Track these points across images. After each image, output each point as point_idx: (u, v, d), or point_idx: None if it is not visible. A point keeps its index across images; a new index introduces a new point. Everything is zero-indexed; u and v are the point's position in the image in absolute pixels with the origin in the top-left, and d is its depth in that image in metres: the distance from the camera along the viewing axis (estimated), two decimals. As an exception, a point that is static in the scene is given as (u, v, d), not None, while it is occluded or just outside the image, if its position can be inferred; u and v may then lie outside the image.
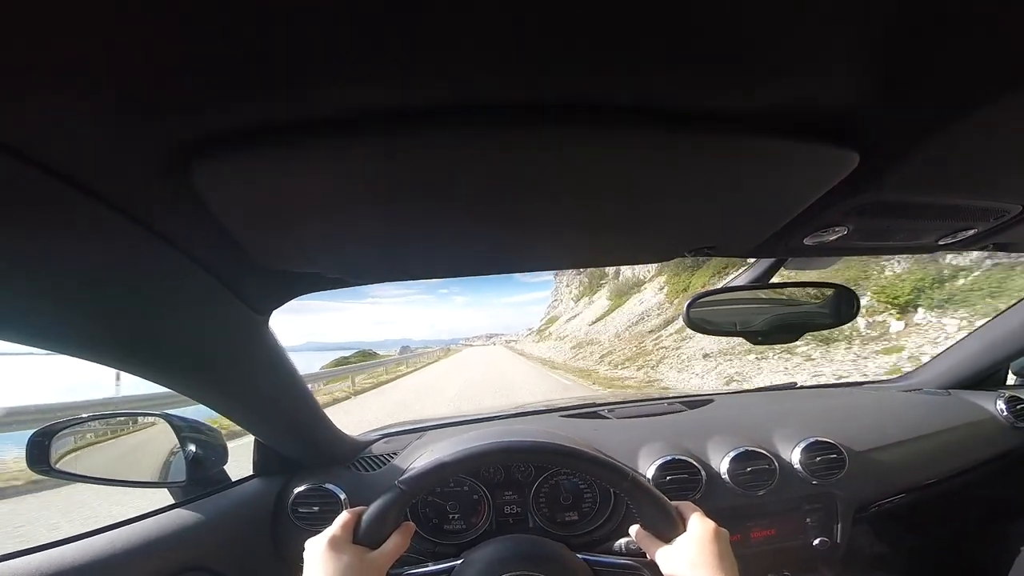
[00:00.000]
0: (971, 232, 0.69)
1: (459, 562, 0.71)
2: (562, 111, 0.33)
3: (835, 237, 0.64)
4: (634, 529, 0.68)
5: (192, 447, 0.91)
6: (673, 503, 0.67)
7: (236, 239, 0.44)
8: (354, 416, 8.49)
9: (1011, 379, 1.49)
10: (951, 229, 0.68)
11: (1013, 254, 0.88)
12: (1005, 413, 1.29)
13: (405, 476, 0.67)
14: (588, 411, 1.30)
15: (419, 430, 1.21)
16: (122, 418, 1.05)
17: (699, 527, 0.63)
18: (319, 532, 0.63)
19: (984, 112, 0.37)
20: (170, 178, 0.35)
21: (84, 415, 0.91)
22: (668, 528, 0.64)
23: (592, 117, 0.34)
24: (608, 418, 1.26)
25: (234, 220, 0.41)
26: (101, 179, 0.34)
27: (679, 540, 0.63)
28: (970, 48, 0.31)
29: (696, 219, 0.55)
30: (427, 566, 0.73)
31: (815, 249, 0.69)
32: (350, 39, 0.25)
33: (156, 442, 0.96)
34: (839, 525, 1.06)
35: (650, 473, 1.02)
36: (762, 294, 0.84)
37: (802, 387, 1.55)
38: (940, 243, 0.74)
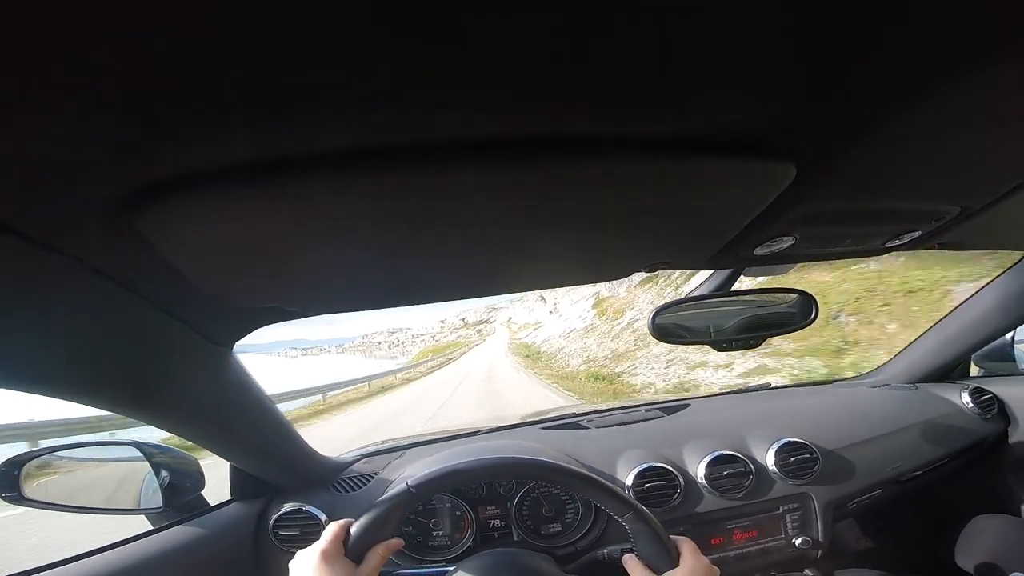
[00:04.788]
0: (916, 234, 0.72)
1: (452, 568, 0.72)
2: (522, 145, 0.35)
3: (785, 246, 0.66)
4: (628, 558, 0.70)
5: (166, 473, 0.90)
6: (671, 537, 0.69)
7: (188, 279, 0.44)
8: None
9: (974, 370, 1.53)
10: (896, 232, 0.71)
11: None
12: (970, 405, 1.32)
13: (416, 479, 0.68)
14: (568, 422, 1.31)
15: (399, 448, 1.21)
16: (94, 446, 1.04)
17: (691, 562, 0.65)
18: (298, 551, 0.63)
19: (910, 118, 0.39)
20: (114, 222, 0.35)
21: (52, 444, 0.91)
22: (663, 561, 0.66)
23: (550, 150, 0.35)
24: (587, 428, 1.27)
25: (184, 261, 0.41)
26: (40, 222, 0.34)
27: (670, 574, 0.65)
28: (890, 55, 0.31)
29: (650, 238, 0.57)
30: (421, 567, 0.72)
31: (767, 258, 0.71)
32: (306, 83, 0.25)
33: (131, 469, 0.96)
34: (818, 524, 1.08)
35: (629, 481, 1.03)
36: (724, 302, 0.87)
37: (775, 387, 1.58)
38: (887, 246, 0.76)
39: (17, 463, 0.82)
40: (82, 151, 0.28)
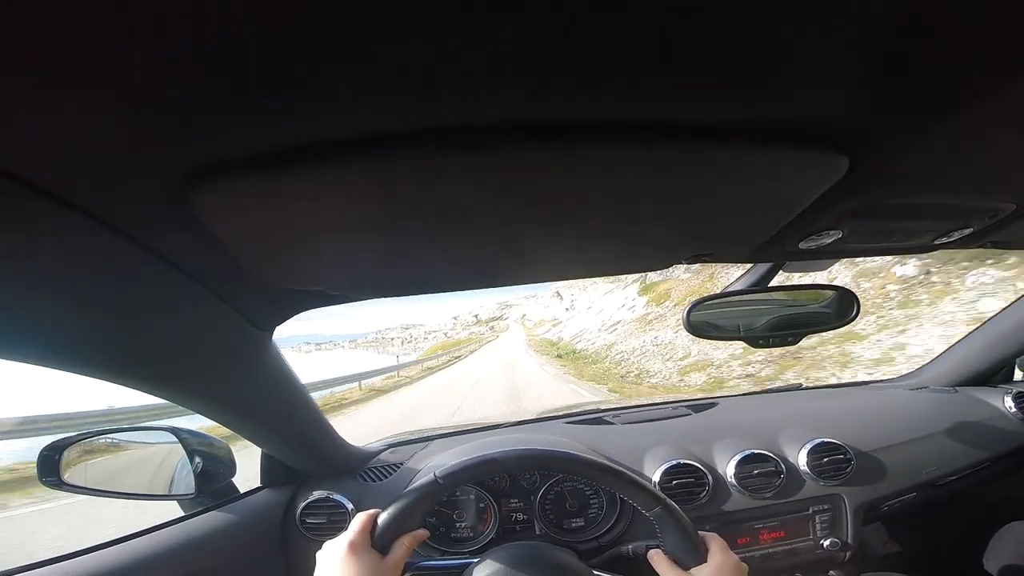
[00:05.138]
0: (967, 231, 0.69)
1: (476, 560, 0.72)
2: (560, 129, 0.34)
3: (830, 240, 0.64)
4: (654, 553, 0.69)
5: (200, 460, 0.91)
6: (699, 533, 0.68)
7: (237, 260, 0.45)
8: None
9: (1018, 375, 1.46)
10: (947, 229, 0.68)
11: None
12: (1013, 409, 1.28)
13: (444, 470, 0.69)
14: (593, 417, 1.31)
15: (425, 439, 1.22)
16: (131, 431, 1.06)
17: (720, 558, 0.64)
18: (326, 542, 0.63)
19: (972, 112, 0.37)
20: (169, 201, 0.35)
21: (93, 429, 0.93)
22: (691, 557, 0.65)
23: (589, 133, 0.34)
24: (613, 424, 1.27)
25: (235, 242, 0.42)
26: (97, 200, 0.34)
27: (698, 570, 0.64)
28: (955, 50, 0.31)
29: (693, 228, 0.56)
30: (443, 558, 0.73)
31: (811, 252, 0.69)
32: (350, 65, 0.25)
33: (165, 455, 0.98)
34: (848, 526, 1.06)
35: (656, 478, 1.02)
36: (761, 298, 0.85)
37: (807, 388, 1.55)
38: (936, 243, 0.74)
39: (59, 447, 0.84)
40: (141, 131, 0.28)
